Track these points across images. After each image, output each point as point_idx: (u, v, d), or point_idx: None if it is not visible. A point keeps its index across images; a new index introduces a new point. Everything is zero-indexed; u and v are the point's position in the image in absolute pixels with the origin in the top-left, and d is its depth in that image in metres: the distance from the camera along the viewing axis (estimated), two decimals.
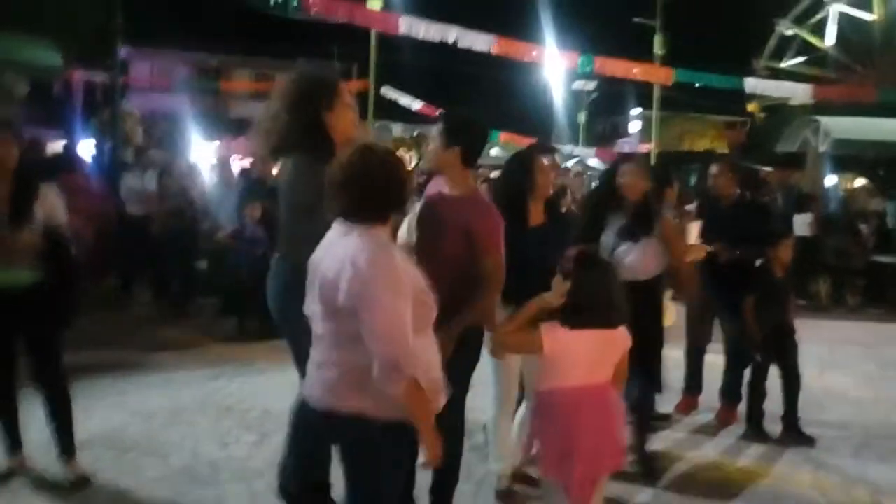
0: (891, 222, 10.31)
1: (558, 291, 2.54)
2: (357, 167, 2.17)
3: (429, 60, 23.51)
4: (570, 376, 2.51)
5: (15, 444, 3.55)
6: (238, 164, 21.11)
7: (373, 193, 2.16)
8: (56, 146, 9.72)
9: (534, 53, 12.98)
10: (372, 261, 2.07)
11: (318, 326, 2.22)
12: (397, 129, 29.21)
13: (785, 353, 4.55)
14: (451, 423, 2.60)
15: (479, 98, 31.14)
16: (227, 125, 25.40)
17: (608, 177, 4.14)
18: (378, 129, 21.11)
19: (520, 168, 3.50)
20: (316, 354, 2.25)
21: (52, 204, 3.36)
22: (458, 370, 2.61)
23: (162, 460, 3.85)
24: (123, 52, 9.61)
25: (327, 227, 2.29)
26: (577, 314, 2.50)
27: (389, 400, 2.07)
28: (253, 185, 7.36)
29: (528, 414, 3.40)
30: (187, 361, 5.74)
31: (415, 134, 28.34)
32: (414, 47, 16.68)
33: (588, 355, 2.52)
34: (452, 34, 11.69)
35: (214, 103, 29.49)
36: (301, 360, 2.49)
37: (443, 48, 12.67)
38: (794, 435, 4.48)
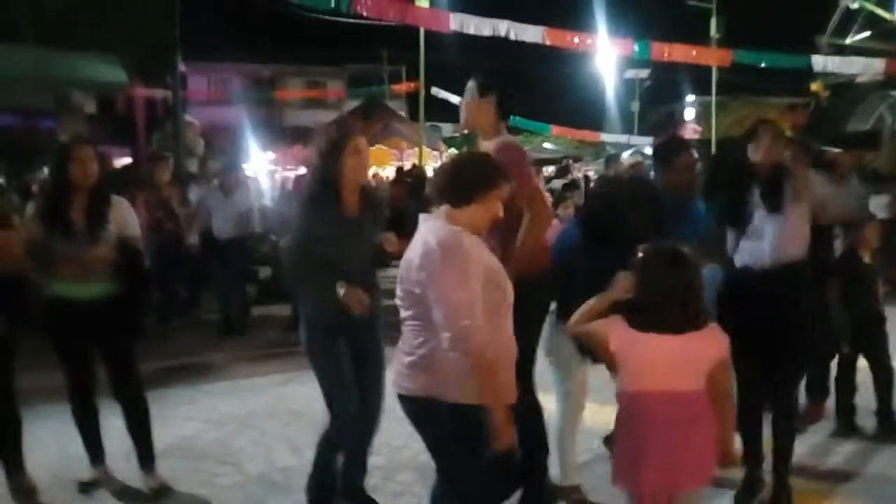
0: None
1: (621, 286, 2.38)
2: (450, 162, 2.46)
3: (477, 59, 23.45)
4: (641, 380, 2.32)
5: (98, 454, 3.63)
6: (292, 172, 21.58)
7: (451, 178, 2.34)
8: (122, 161, 10.07)
9: (588, 42, 12.72)
10: (441, 240, 2.20)
11: (401, 310, 2.35)
12: (447, 129, 29.25)
13: (873, 344, 4.29)
14: (529, 402, 2.67)
15: (529, 94, 30.88)
16: (281, 134, 25.92)
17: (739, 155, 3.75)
18: (428, 129, 21.11)
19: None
20: (401, 339, 2.38)
21: (125, 217, 3.42)
22: (522, 342, 2.48)
23: (236, 468, 3.88)
24: (181, 66, 9.83)
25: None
26: (639, 314, 2.31)
27: (459, 382, 2.13)
28: None
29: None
30: (255, 368, 5.81)
31: (465, 133, 28.34)
32: (462, 46, 16.62)
33: (664, 360, 2.30)
34: (503, 28, 11.58)
35: (269, 113, 30.12)
36: None
37: (491, 46, 12.57)
38: (889, 430, 4.21)
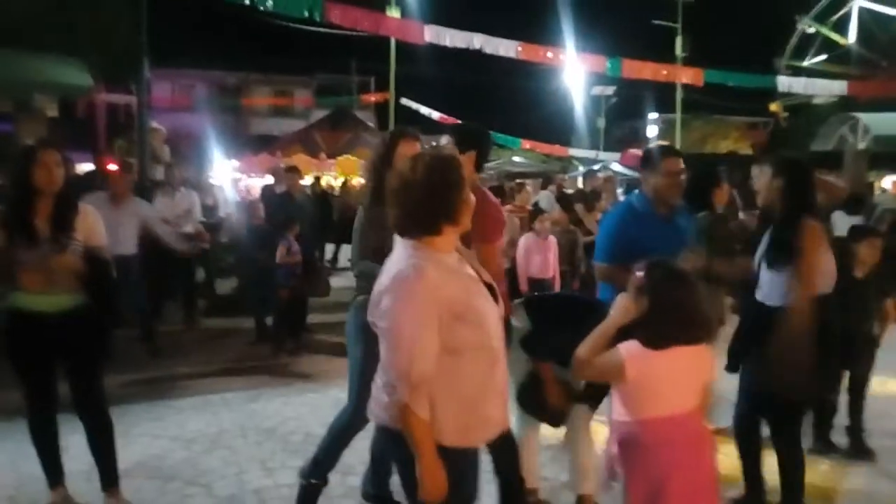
0: None
1: (622, 308, 2.32)
2: (403, 177, 2.08)
3: (446, 71, 23.52)
4: (660, 405, 2.25)
5: (56, 475, 3.42)
6: (256, 180, 21.25)
7: (417, 203, 2.05)
8: (83, 167, 9.75)
9: (560, 58, 12.81)
10: (397, 276, 2.01)
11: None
12: None
13: (857, 363, 4.28)
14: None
15: (498, 107, 31.11)
16: (247, 142, 25.57)
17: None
18: None
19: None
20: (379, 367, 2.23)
21: (92, 226, 3.25)
22: None
23: (206, 490, 3.70)
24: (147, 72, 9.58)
25: None
26: (658, 331, 2.25)
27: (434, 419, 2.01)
28: (282, 201, 7.24)
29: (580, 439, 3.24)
30: (223, 383, 5.61)
31: (433, 144, 28.31)
32: (432, 58, 16.64)
33: (678, 379, 2.26)
34: (477, 41, 11.59)
35: (235, 121, 29.73)
36: None
37: (460, 58, 12.62)
38: (857, 449, 4.25)
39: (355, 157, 20.46)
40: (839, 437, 4.33)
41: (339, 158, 20.38)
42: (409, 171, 2.08)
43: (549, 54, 12.54)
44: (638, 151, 30.31)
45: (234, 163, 22.58)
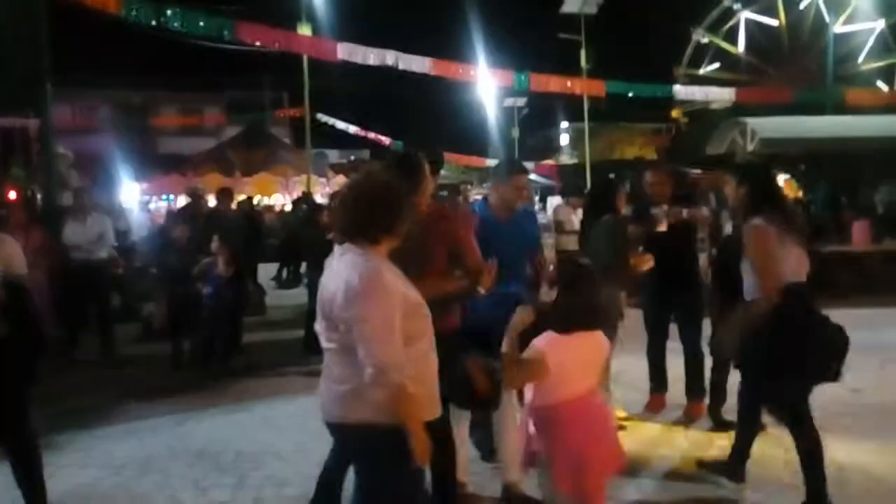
0: (814, 211, 10.96)
1: (521, 314, 2.63)
2: (357, 190, 2.38)
3: (362, 86, 23.59)
4: (571, 387, 2.55)
5: None
6: (167, 202, 20.65)
7: (368, 216, 2.34)
8: None
9: (471, 73, 13.21)
10: (363, 276, 2.24)
11: (324, 341, 2.38)
12: (334, 155, 29.15)
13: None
14: (440, 427, 2.70)
15: (415, 120, 31.40)
16: (156, 162, 24.79)
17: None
18: (315, 156, 20.94)
19: None
20: (325, 369, 2.40)
21: (10, 254, 3.23)
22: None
23: None
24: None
25: None
26: (568, 317, 2.57)
27: (387, 408, 2.22)
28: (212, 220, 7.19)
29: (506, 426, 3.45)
30: (147, 409, 5.52)
31: (351, 158, 28.30)
32: (347, 72, 16.72)
33: (583, 360, 2.60)
34: (390, 58, 11.80)
35: (142, 141, 28.73)
36: None
37: (374, 73, 12.76)
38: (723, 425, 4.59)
39: (271, 174, 20.25)
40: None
41: (255, 177, 20.09)
42: (362, 185, 2.42)
43: (461, 70, 12.93)
44: (553, 162, 31.35)
45: (144, 185, 21.88)
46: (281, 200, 20.62)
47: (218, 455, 4.47)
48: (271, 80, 30.34)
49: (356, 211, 2.36)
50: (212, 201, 8.95)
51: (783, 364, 3.32)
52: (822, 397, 3.57)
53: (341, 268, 2.31)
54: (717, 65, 30.34)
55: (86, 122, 28.18)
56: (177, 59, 23.32)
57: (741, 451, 3.76)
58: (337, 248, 2.41)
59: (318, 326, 2.40)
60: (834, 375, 3.36)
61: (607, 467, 2.60)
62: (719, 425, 4.63)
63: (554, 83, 14.37)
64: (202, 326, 6.54)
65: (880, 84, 26.30)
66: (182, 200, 12.79)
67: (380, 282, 2.24)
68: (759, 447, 3.84)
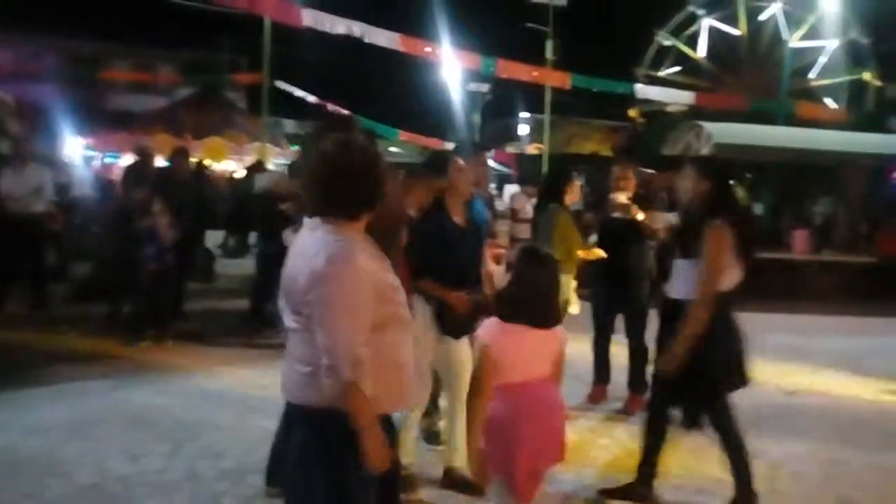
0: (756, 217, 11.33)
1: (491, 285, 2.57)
2: (329, 160, 2.14)
3: (325, 55, 23.12)
4: (509, 373, 2.50)
5: None
6: (114, 159, 19.90)
7: (343, 189, 2.12)
8: None
9: (438, 53, 13.06)
10: (330, 258, 2.04)
11: (287, 321, 2.19)
12: (290, 125, 28.52)
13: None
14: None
15: (377, 95, 31.02)
16: (104, 118, 23.84)
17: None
18: (271, 124, 20.43)
19: None
20: (288, 346, 2.22)
21: None
22: None
23: (64, 478, 3.54)
24: None
25: None
26: (512, 307, 2.52)
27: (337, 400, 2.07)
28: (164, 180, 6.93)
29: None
30: (80, 371, 5.31)
31: (309, 130, 27.71)
32: (309, 40, 16.32)
33: (525, 349, 2.53)
34: (357, 29, 11.53)
35: (91, 94, 27.56)
36: None
37: (339, 44, 12.45)
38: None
39: (223, 139, 19.66)
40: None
41: (206, 140, 19.47)
42: (339, 155, 2.14)
43: (428, 49, 12.75)
44: (513, 150, 31.47)
45: (89, 140, 21.02)
46: (232, 167, 20.08)
47: (153, 424, 4.33)
48: (231, 43, 29.43)
49: (334, 186, 2.13)
50: (159, 161, 8.61)
51: (704, 368, 3.29)
52: (757, 399, 3.67)
53: (309, 245, 2.13)
54: (677, 68, 30.85)
55: (30, 69, 26.87)
56: (133, 11, 22.43)
57: (649, 465, 3.58)
58: (308, 222, 2.21)
59: (281, 303, 2.23)
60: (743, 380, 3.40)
61: (543, 457, 2.54)
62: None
63: (521, 71, 14.32)
64: (142, 289, 6.27)
65: (828, 101, 27.19)
66: (128, 159, 12.28)
67: (348, 266, 2.05)
68: (693, 440, 3.83)
